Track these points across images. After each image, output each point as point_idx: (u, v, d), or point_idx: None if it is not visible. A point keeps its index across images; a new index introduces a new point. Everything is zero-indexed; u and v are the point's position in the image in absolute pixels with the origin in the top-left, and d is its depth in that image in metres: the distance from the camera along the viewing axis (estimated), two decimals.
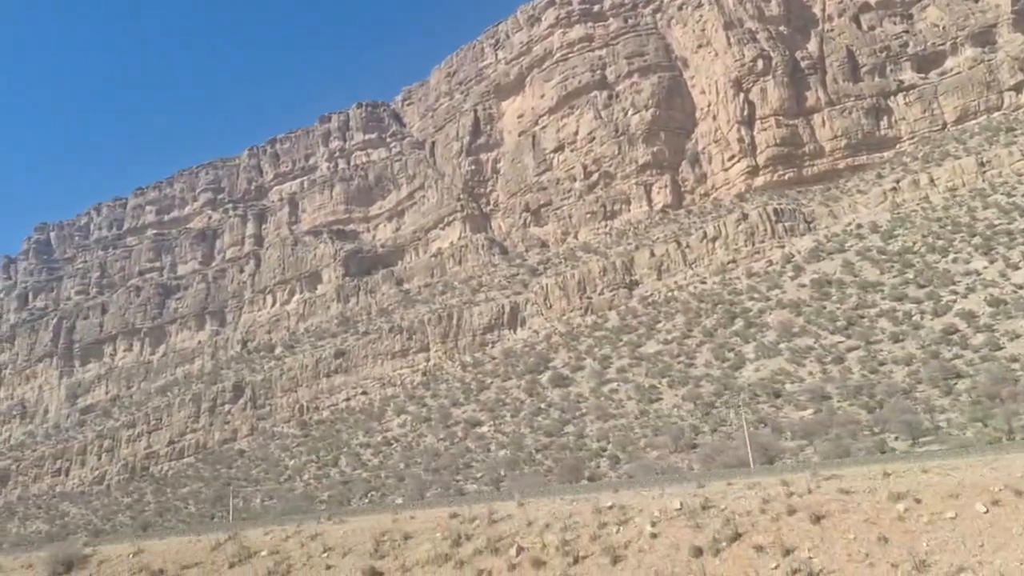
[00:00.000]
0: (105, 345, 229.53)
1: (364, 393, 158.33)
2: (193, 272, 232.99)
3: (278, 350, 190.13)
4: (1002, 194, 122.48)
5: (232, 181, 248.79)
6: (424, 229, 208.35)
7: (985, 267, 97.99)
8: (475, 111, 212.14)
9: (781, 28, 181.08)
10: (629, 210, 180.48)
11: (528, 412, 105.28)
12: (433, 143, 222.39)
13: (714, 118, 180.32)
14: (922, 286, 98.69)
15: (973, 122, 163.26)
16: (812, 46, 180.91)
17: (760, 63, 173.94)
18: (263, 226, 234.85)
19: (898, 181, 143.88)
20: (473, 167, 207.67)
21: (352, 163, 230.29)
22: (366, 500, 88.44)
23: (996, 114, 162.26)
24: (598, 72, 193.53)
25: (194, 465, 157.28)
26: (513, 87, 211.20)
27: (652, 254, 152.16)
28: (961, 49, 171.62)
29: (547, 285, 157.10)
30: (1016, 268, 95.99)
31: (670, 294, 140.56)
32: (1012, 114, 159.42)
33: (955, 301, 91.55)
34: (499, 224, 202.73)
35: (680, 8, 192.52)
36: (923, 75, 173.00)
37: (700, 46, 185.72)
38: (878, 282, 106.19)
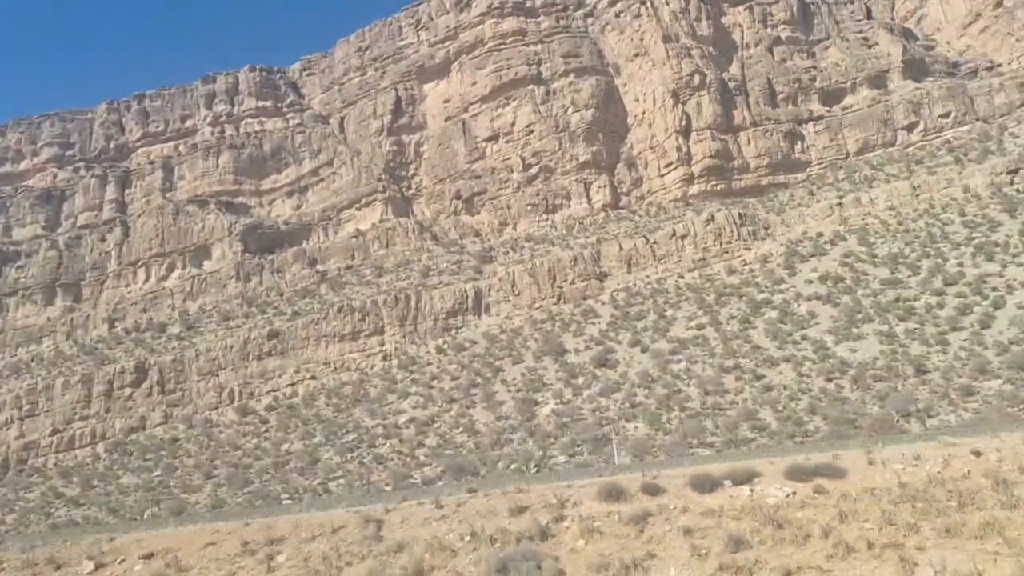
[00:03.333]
0: None
1: (313, 378, 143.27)
2: (36, 238, 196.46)
3: (173, 330, 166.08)
4: (952, 213, 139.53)
5: (84, 137, 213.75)
6: (336, 208, 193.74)
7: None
8: (396, 90, 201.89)
9: (710, 48, 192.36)
10: (570, 205, 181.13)
11: (600, 387, 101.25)
12: (343, 118, 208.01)
13: (650, 126, 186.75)
14: (949, 283, 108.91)
15: (872, 154, 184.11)
16: (735, 69, 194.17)
17: (696, 78, 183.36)
18: (127, 191, 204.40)
19: (841, 197, 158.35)
20: (395, 148, 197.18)
21: (242, 130, 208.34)
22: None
23: (891, 149, 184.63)
24: (534, 67, 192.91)
25: (104, 456, 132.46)
26: (438, 71, 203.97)
27: (621, 248, 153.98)
28: (860, 89, 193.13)
29: (514, 272, 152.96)
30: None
31: (654, 285, 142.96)
32: (905, 150, 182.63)
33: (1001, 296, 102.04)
34: (422, 209, 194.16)
35: (617, 16, 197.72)
36: (828, 108, 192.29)
37: (637, 55, 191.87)
38: (895, 279, 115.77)
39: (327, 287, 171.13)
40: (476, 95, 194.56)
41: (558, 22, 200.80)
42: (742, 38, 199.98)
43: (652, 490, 32.48)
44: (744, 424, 73.81)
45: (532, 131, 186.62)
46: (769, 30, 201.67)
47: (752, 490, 29.36)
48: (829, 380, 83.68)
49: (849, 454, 34.31)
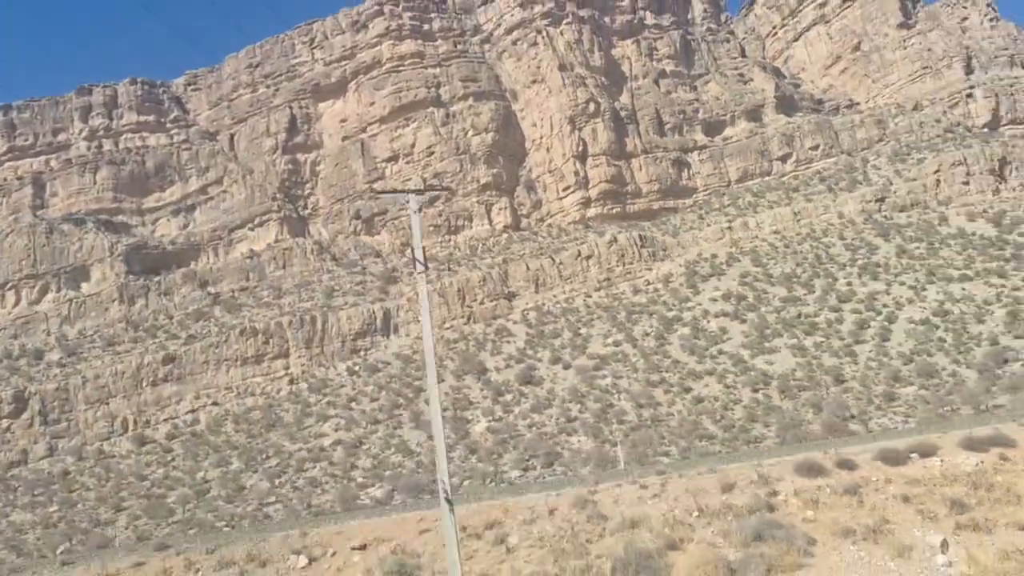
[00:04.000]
0: None
1: (215, 403, 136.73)
2: None
3: (52, 356, 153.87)
4: (833, 236, 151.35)
5: None
6: (227, 228, 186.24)
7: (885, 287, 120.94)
8: (290, 108, 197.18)
9: (603, 78, 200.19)
10: (471, 227, 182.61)
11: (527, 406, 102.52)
12: (232, 136, 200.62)
13: (548, 150, 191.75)
14: (843, 300, 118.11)
15: (751, 182, 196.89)
16: (625, 99, 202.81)
17: (591, 106, 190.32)
18: None
19: (731, 222, 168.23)
20: (291, 167, 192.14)
21: (122, 146, 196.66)
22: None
23: (768, 177, 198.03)
24: (433, 89, 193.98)
25: None
26: (334, 90, 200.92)
27: (528, 268, 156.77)
28: (738, 121, 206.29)
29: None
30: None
31: (563, 304, 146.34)
32: (781, 179, 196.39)
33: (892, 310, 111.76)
34: (319, 229, 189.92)
35: (514, 43, 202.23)
36: (711, 138, 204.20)
37: (534, 82, 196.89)
38: (794, 297, 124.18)
39: (222, 309, 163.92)
40: (375, 115, 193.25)
41: (455, 46, 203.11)
42: (631, 70, 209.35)
43: (848, 465, 33.75)
44: (692, 434, 77.15)
45: (433, 152, 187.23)
46: (655, 63, 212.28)
47: (942, 460, 31.70)
48: (755, 391, 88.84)
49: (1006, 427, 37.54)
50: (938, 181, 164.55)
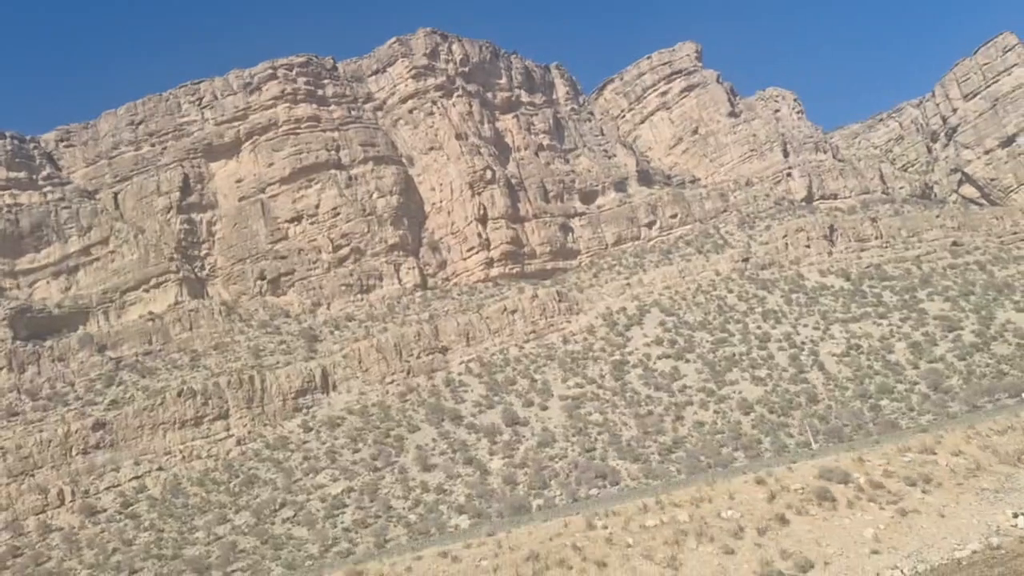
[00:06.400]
0: None
1: (160, 469, 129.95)
2: None
3: None
4: (721, 290, 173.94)
5: None
6: (119, 290, 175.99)
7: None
8: (182, 167, 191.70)
9: (492, 148, 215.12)
10: (382, 286, 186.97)
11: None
12: (116, 194, 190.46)
13: (449, 213, 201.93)
14: (764, 340, 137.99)
15: (625, 245, 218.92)
16: (512, 168, 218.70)
17: (488, 173, 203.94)
18: None
19: (627, 279, 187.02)
20: (187, 227, 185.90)
21: None
22: None
23: (637, 241, 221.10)
24: (333, 152, 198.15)
25: None
26: (227, 150, 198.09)
27: (457, 323, 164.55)
28: (608, 191, 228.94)
29: (360, 348, 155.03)
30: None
31: (499, 355, 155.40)
32: (648, 243, 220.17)
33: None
34: (219, 290, 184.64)
35: (411, 112, 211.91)
36: (587, 205, 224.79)
37: (432, 148, 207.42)
38: (722, 338, 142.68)
39: (133, 373, 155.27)
40: (274, 176, 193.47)
41: (350, 112, 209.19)
42: (513, 142, 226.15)
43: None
44: (726, 447, 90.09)
45: (339, 214, 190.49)
46: (533, 136, 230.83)
47: None
48: (746, 413, 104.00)
49: None
50: (787, 244, 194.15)
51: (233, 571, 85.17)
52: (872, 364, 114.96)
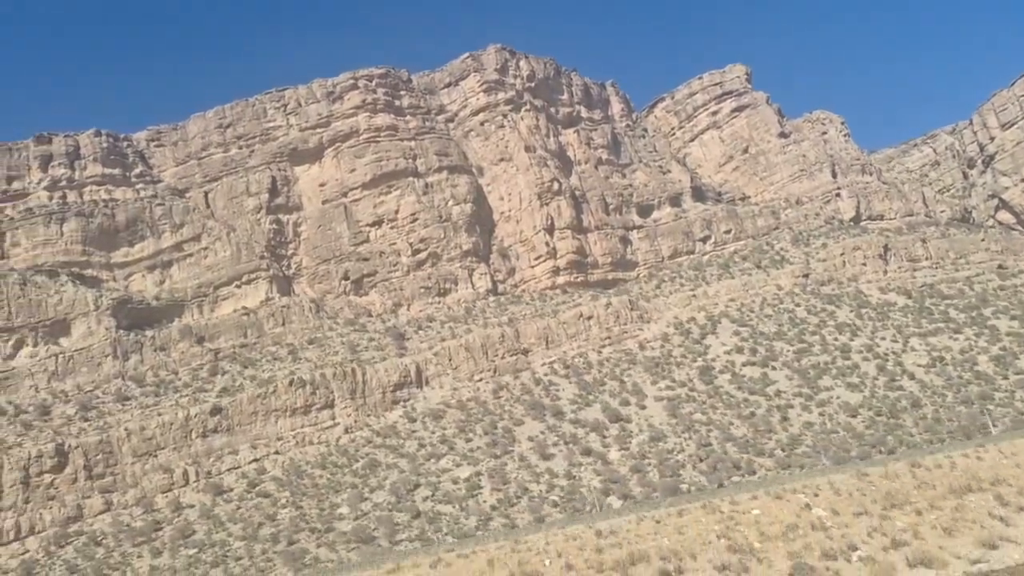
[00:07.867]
0: None
1: (276, 453, 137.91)
2: None
3: (67, 410, 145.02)
4: (788, 303, 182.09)
5: None
6: (212, 285, 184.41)
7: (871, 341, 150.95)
8: (270, 170, 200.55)
9: (557, 161, 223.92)
10: (457, 290, 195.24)
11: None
12: (207, 193, 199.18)
13: (517, 223, 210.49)
14: (845, 351, 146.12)
15: (681, 259, 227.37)
16: (575, 180, 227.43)
17: (555, 184, 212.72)
18: None
19: (693, 291, 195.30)
20: (275, 227, 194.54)
21: (87, 198, 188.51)
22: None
23: (692, 255, 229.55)
24: (411, 160, 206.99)
25: (41, 552, 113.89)
26: (311, 155, 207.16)
27: (536, 327, 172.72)
28: (664, 206, 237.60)
29: (450, 347, 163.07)
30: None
31: (579, 359, 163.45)
32: (704, 256, 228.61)
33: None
34: (304, 288, 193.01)
35: (482, 124, 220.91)
36: (644, 219, 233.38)
37: (502, 160, 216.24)
38: (803, 348, 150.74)
39: (235, 364, 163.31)
40: (356, 182, 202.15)
41: (424, 123, 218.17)
42: (575, 155, 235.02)
43: None
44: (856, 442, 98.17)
45: (417, 219, 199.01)
46: (593, 151, 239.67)
47: None
48: (853, 416, 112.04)
49: None
50: (844, 262, 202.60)
51: (400, 540, 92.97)
52: (962, 375, 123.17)
